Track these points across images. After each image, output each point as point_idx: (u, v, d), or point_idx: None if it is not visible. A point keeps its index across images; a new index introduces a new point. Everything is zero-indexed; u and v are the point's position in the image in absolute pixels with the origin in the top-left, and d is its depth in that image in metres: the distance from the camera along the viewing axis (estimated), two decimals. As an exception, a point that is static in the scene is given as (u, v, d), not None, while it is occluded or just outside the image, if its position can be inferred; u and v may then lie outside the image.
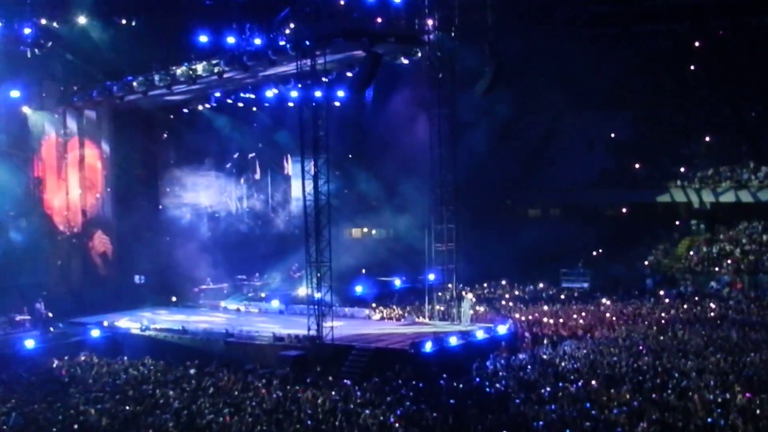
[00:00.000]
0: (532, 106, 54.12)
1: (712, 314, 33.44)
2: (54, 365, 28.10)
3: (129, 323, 32.94)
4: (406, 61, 32.55)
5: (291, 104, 38.56)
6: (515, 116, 51.66)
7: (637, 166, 51.05)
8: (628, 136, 53.53)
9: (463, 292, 32.14)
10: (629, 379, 22.60)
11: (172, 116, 42.09)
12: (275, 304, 36.97)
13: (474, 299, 33.42)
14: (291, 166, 46.44)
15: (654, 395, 20.82)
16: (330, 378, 24.80)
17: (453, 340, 27.62)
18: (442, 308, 31.91)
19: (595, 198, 51.03)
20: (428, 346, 26.45)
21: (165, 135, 43.03)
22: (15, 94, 36.87)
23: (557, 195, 52.33)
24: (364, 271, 42.92)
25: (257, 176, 46.29)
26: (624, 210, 51.63)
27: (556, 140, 55.68)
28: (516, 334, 29.91)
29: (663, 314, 33.86)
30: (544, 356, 26.39)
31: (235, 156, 45.29)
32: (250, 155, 45.83)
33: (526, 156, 54.63)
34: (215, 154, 43.90)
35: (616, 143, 53.38)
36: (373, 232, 52.14)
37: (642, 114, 53.67)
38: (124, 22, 36.99)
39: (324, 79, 30.64)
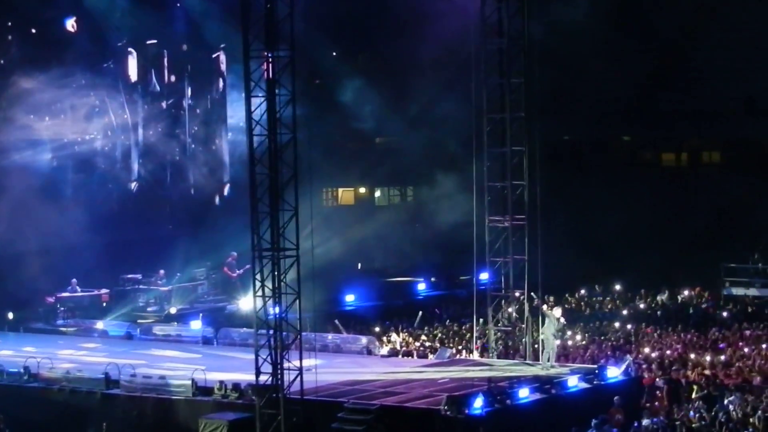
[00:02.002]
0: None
1: None
2: None
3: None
4: None
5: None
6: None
7: None
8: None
9: (545, 305, 32.22)
10: None
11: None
12: (196, 326, 37.24)
13: (563, 318, 33.47)
14: (225, 69, 46.46)
15: None
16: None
17: (524, 393, 27.84)
18: (504, 334, 32.03)
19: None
20: (478, 404, 26.58)
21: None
22: None
23: (714, 127, 52.34)
24: (360, 265, 43.27)
25: (165, 81, 46.47)
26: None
27: (708, 37, 55.45)
28: (639, 383, 30.17)
29: None
30: (693, 424, 26.52)
31: (123, 46, 45.33)
32: (150, 42, 45.95)
33: (657, 62, 54.39)
34: (86, 48, 44.05)
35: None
36: (377, 194, 52.27)
37: None
38: None
39: None
